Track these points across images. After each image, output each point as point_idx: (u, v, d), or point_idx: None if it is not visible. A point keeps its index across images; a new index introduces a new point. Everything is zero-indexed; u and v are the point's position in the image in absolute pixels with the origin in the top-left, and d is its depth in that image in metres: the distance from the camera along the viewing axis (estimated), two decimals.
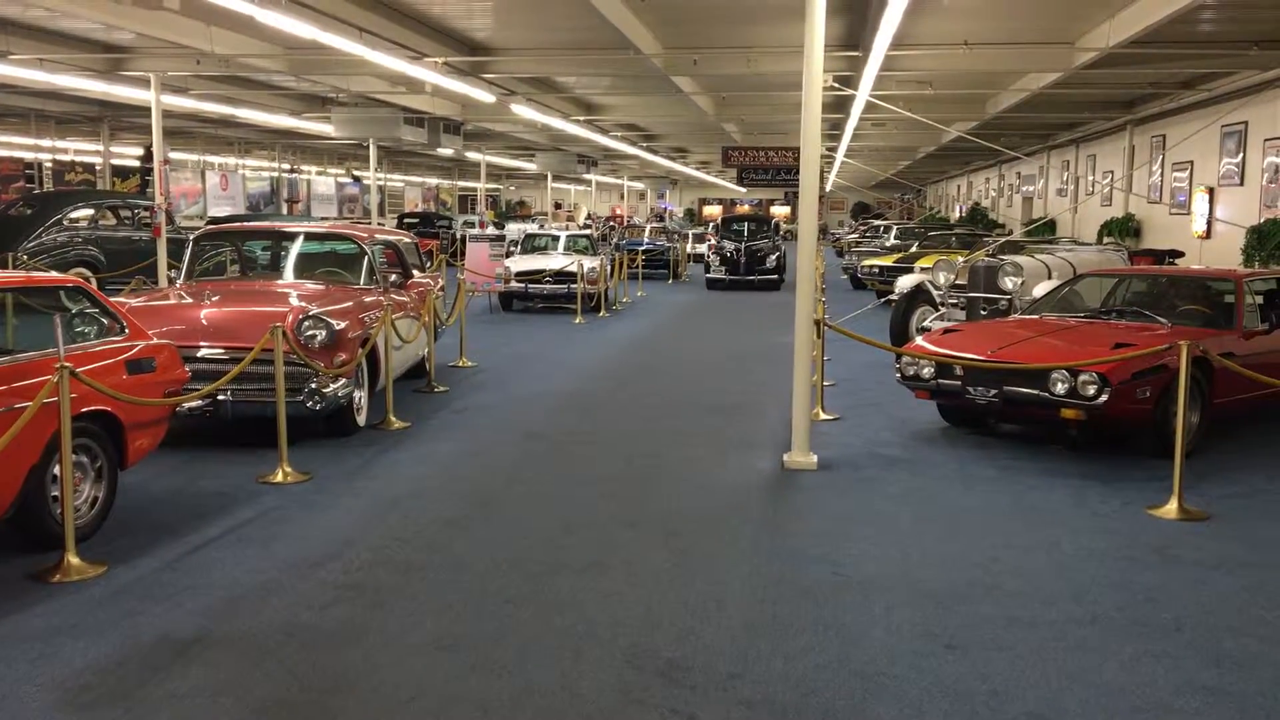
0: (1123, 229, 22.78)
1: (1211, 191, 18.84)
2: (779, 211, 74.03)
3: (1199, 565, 5.78)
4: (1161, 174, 21.61)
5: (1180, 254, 16.55)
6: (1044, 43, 16.14)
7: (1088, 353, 7.92)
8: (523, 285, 19.18)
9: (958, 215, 43.11)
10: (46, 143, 30.94)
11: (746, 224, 27.02)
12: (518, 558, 5.78)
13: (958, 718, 3.99)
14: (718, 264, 25.10)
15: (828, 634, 4.77)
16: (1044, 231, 24.18)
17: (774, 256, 25.04)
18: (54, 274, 9.08)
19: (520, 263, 19.76)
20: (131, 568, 5.52)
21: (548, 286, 19.13)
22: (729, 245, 25.28)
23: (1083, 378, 7.65)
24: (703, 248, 30.82)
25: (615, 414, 9.98)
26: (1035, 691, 4.22)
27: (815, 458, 7.83)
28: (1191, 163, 19.81)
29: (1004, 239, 19.01)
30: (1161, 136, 21.73)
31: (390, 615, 4.95)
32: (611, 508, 6.81)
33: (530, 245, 21.72)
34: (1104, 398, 7.58)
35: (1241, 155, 17.78)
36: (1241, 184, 17.78)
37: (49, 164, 29.30)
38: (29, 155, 29.97)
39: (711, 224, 51.46)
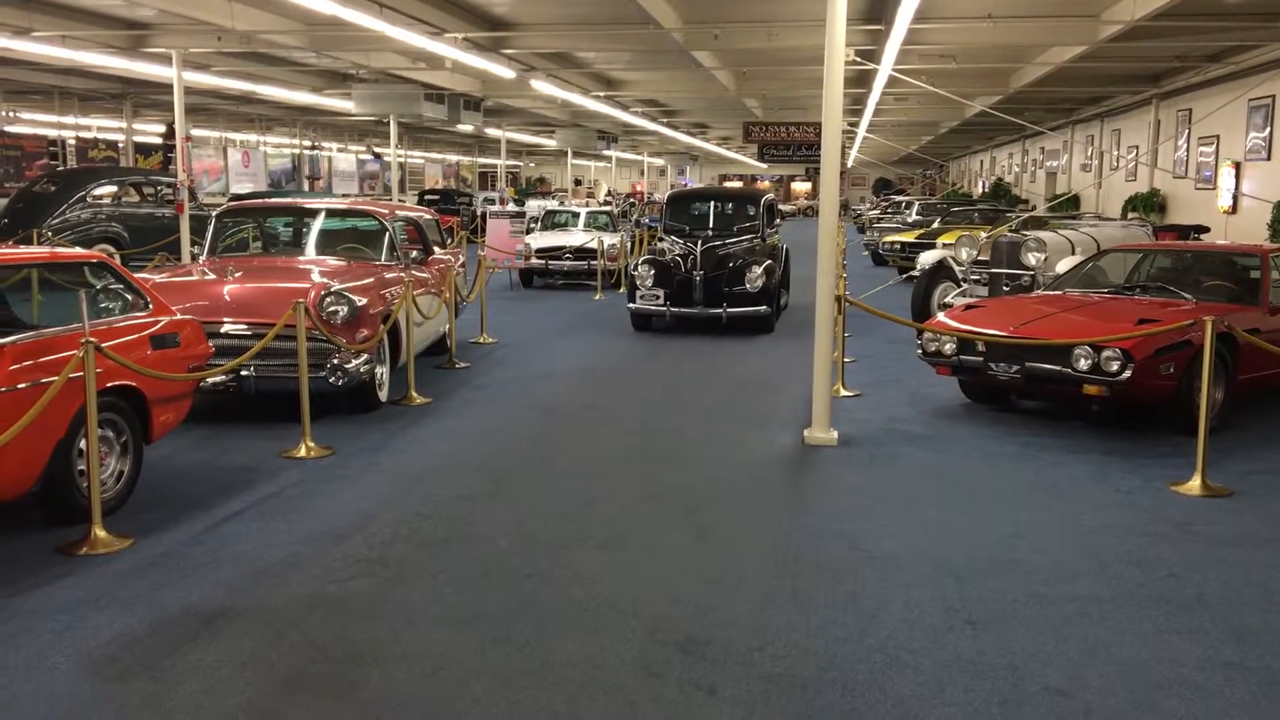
0: (1147, 204, 22.57)
1: (1238, 166, 18.64)
2: (799, 188, 73.22)
3: (1222, 541, 5.75)
4: (1187, 148, 21.38)
5: (1205, 229, 16.40)
6: (1069, 15, 15.96)
7: (1111, 329, 7.87)
8: (543, 262, 19.19)
9: (980, 191, 42.80)
10: (70, 120, 31.06)
11: (712, 207, 15.28)
12: (538, 533, 5.81)
13: (978, 693, 4.00)
14: (650, 282, 13.22)
15: (847, 609, 4.77)
16: (1068, 207, 23.99)
17: (760, 267, 13.19)
18: (78, 250, 9.15)
19: (540, 239, 19.77)
20: (157, 541, 5.57)
21: (568, 263, 19.14)
22: (676, 247, 13.81)
23: (1106, 354, 7.61)
24: None
25: (635, 389, 9.99)
26: (1056, 667, 4.22)
27: (835, 434, 7.83)
28: (1218, 137, 19.59)
29: (1027, 214, 18.87)
30: (1188, 110, 21.49)
31: (412, 589, 4.98)
32: (631, 483, 6.83)
33: (550, 222, 21.71)
34: (1127, 374, 7.54)
35: (1269, 129, 17.56)
36: (1269, 158, 17.58)
37: (72, 141, 29.42)
38: (53, 132, 30.09)
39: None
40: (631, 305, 13.48)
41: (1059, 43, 17.95)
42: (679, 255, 13.50)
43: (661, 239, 14.65)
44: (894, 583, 5.09)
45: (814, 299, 7.99)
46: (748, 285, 13.13)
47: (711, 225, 14.78)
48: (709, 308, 13.17)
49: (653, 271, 13.25)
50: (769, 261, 13.44)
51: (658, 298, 13.24)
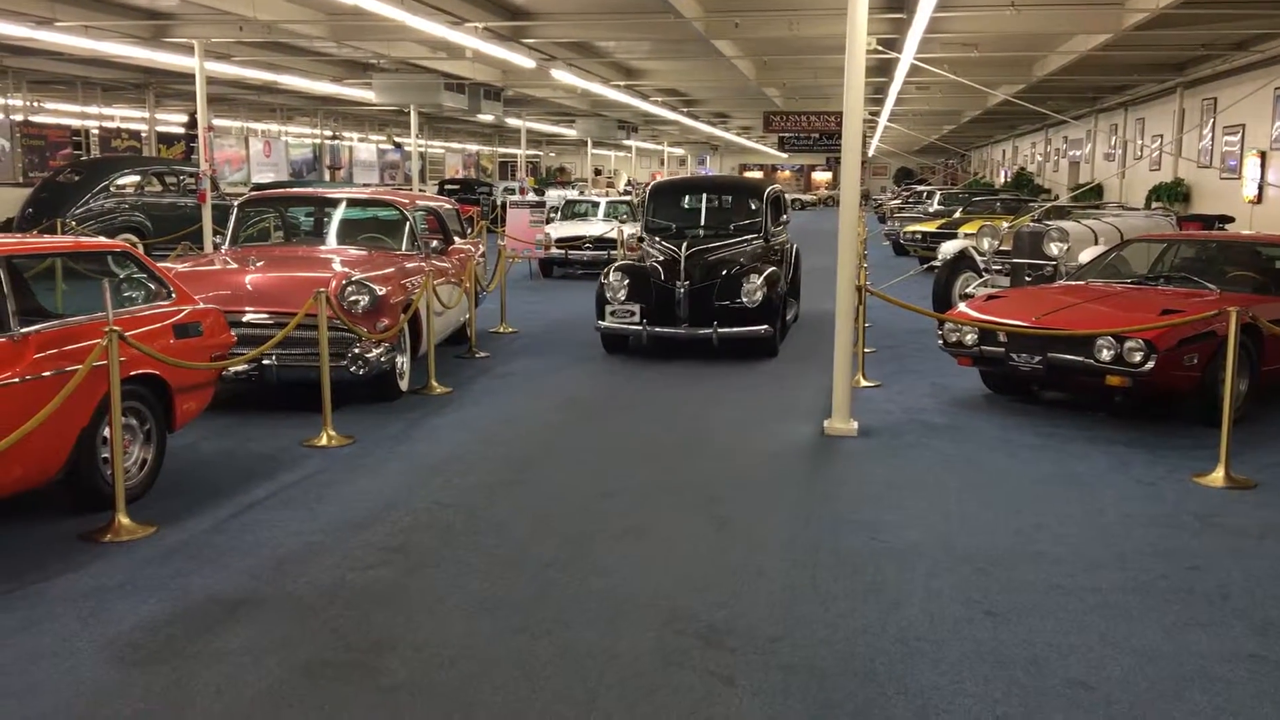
0: (1171, 194, 22.40)
1: (1263, 155, 18.47)
2: (820, 177, 72.87)
3: (1245, 533, 5.71)
4: (1212, 138, 21.21)
5: (1230, 219, 16.26)
6: (1093, 3, 15.84)
7: (1134, 319, 7.82)
8: (563, 252, 19.19)
9: (1003, 180, 42.57)
10: (93, 110, 31.28)
11: (705, 200, 12.78)
12: (557, 522, 5.82)
13: (998, 684, 3.99)
14: (624, 295, 10.84)
15: (868, 599, 4.77)
16: (1091, 196, 23.81)
17: (761, 276, 10.69)
18: (102, 239, 9.23)
19: (560, 229, 19.77)
20: (180, 528, 5.61)
21: (588, 253, 19.13)
22: (656, 250, 11.26)
23: (1129, 344, 7.56)
24: None
25: (655, 380, 9.97)
26: (1077, 658, 4.20)
27: (856, 424, 7.81)
28: (1243, 126, 19.41)
29: (1050, 204, 18.76)
30: (1213, 99, 21.30)
31: (432, 577, 5.00)
32: (651, 473, 6.84)
33: (570, 212, 21.72)
34: (1150, 365, 7.49)
35: None
36: None
37: (96, 131, 29.61)
38: (76, 122, 30.30)
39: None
40: (601, 324, 10.94)
41: (1083, 31, 17.82)
42: (659, 261, 10.98)
43: (642, 239, 12.07)
44: (914, 573, 5.08)
45: (828, 304, 7.94)
46: (744, 299, 10.60)
47: (703, 223, 12.30)
48: (696, 327, 10.67)
49: (626, 281, 10.81)
50: (771, 269, 10.96)
51: (632, 314, 10.78)
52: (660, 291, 10.76)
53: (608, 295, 10.86)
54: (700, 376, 10.06)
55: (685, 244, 11.01)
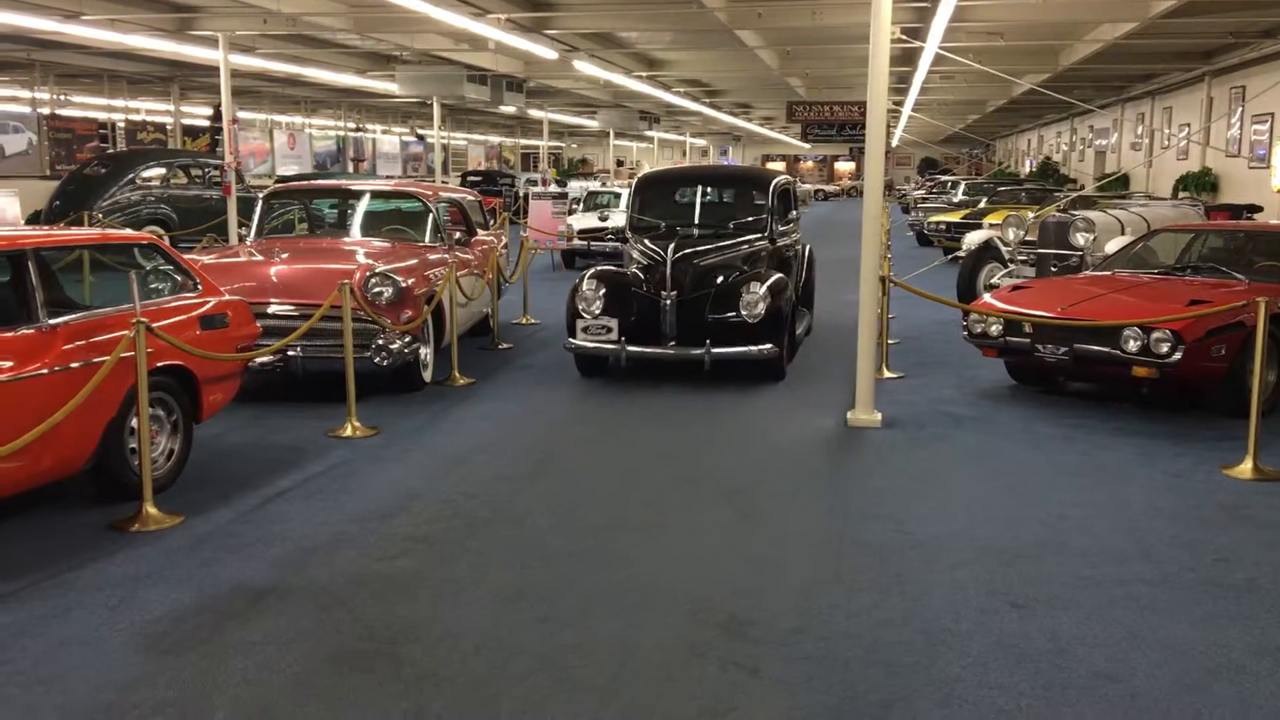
0: (1199, 184, 22.19)
1: None
2: (843, 168, 72.53)
3: (1273, 526, 5.66)
4: (1241, 127, 20.99)
5: (1259, 209, 16.10)
6: None
7: (1161, 310, 7.76)
8: (585, 243, 19.19)
9: (1028, 170, 42.28)
10: (119, 103, 31.47)
11: (700, 195, 11.04)
12: (580, 513, 5.83)
13: (1023, 676, 3.97)
14: (599, 308, 9.12)
15: (891, 591, 4.76)
16: (1117, 187, 23.61)
17: (764, 285, 9.05)
18: (128, 232, 9.27)
19: (583, 220, 19.77)
20: (207, 518, 5.66)
21: (610, 244, 19.12)
22: (639, 253, 9.53)
23: (1156, 335, 7.51)
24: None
25: (676, 371, 9.96)
26: (1103, 651, 4.18)
27: (879, 416, 7.78)
28: (1272, 115, 19.21)
29: (1075, 194, 18.62)
30: (1241, 88, 21.08)
31: (456, 567, 5.02)
32: (674, 465, 6.84)
33: (593, 203, 21.70)
34: (1178, 355, 7.44)
35: None
36: None
37: (122, 124, 29.82)
38: (103, 115, 30.51)
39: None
40: (572, 342, 9.27)
41: (1109, 19, 17.67)
42: (641, 266, 9.33)
43: (626, 239, 10.29)
44: (938, 565, 5.07)
45: (851, 299, 7.89)
46: (744, 313, 8.96)
47: (698, 220, 10.46)
48: (685, 346, 9.03)
49: (603, 291, 9.15)
50: (777, 275, 9.37)
51: (608, 330, 9.09)
52: (642, 303, 9.13)
53: (580, 307, 9.14)
54: (721, 370, 10.03)
55: (673, 246, 9.20)
